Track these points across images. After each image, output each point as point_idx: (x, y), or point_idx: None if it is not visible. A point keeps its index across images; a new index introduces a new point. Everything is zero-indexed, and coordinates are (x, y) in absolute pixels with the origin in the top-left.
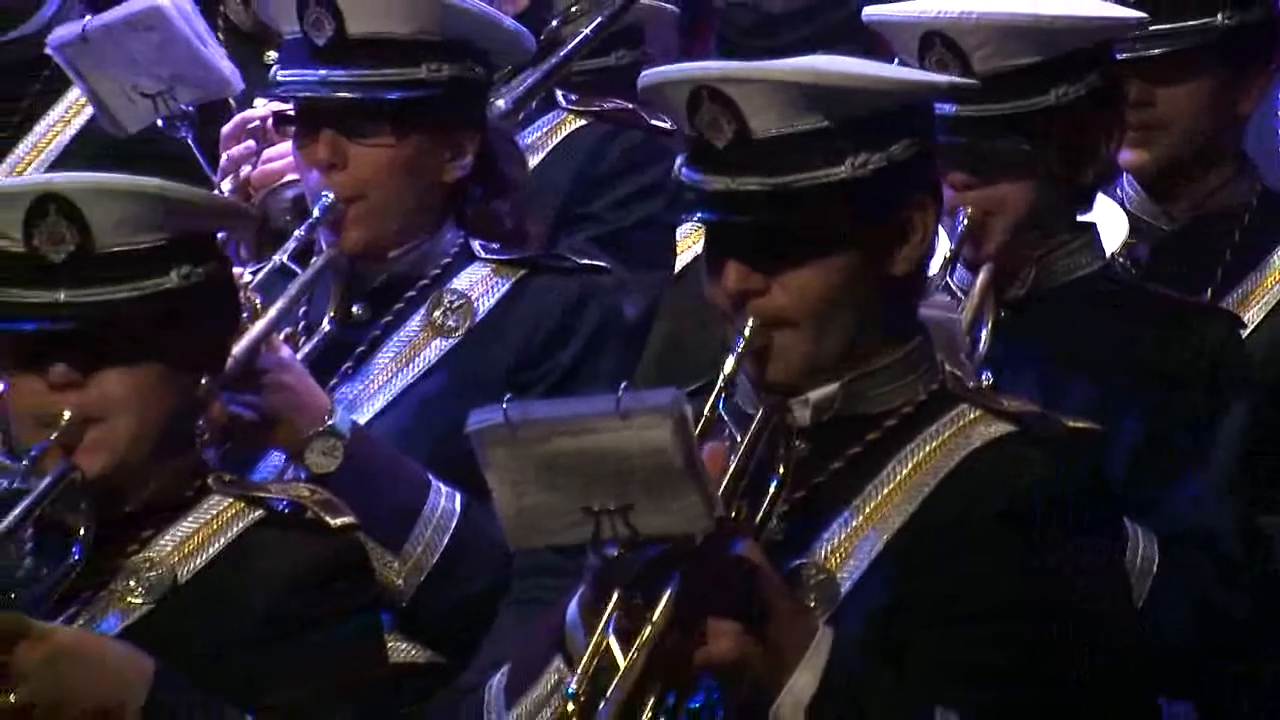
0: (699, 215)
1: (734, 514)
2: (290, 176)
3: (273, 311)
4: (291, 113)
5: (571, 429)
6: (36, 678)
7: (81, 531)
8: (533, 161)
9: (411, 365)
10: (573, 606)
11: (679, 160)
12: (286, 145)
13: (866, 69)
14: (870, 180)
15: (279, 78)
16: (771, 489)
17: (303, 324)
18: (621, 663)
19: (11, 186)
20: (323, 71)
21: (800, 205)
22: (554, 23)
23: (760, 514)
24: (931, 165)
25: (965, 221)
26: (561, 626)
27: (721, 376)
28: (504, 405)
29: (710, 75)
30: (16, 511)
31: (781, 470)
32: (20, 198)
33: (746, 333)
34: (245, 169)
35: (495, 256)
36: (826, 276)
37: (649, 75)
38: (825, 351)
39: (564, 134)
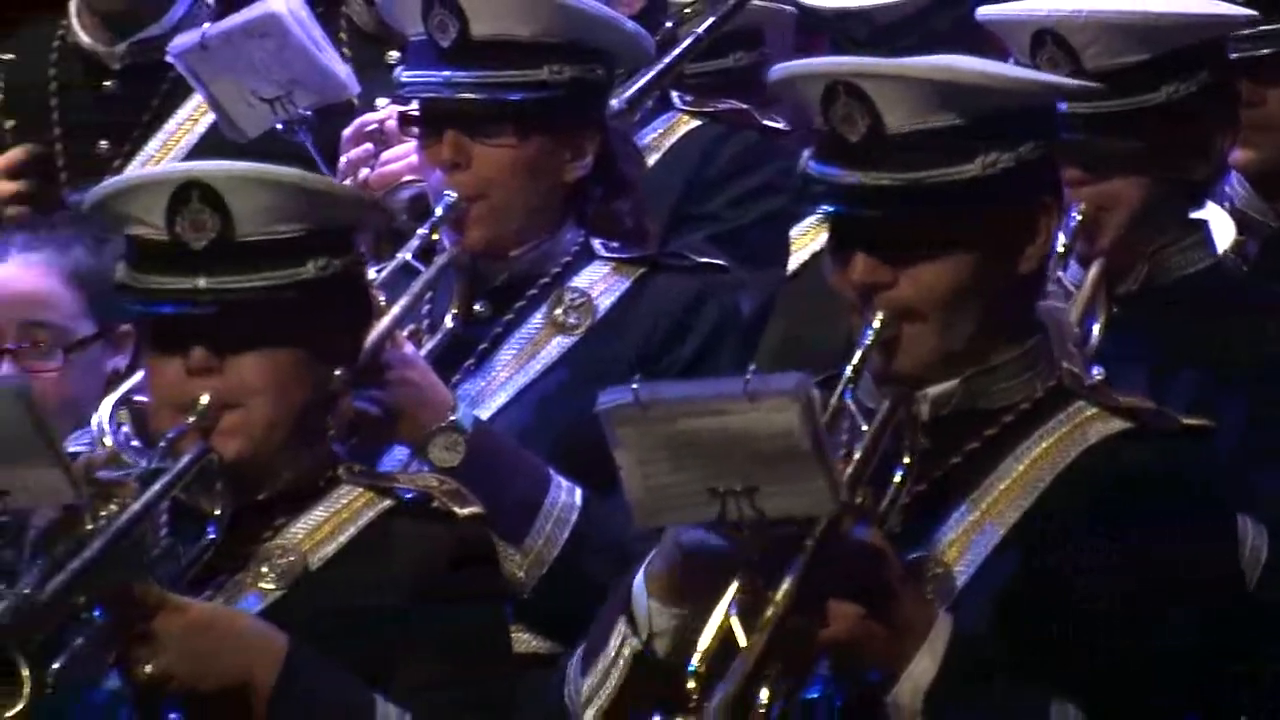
0: (828, 208)
1: (861, 501)
2: (408, 178)
3: (397, 308)
4: (415, 113)
5: (699, 410)
6: (174, 649)
7: (217, 512)
8: (650, 162)
9: (532, 362)
10: (639, 574)
11: (806, 154)
12: (404, 148)
13: (999, 69)
14: (999, 179)
15: (403, 78)
16: (897, 479)
17: (426, 322)
18: (743, 642)
19: (156, 174)
20: (446, 73)
21: (930, 201)
22: (668, 24)
23: (885, 504)
24: (1055, 168)
25: (1078, 217)
26: (629, 594)
27: (849, 367)
28: (634, 386)
29: (847, 70)
30: (155, 488)
31: (907, 461)
32: (164, 185)
33: (875, 325)
34: (364, 171)
35: (615, 255)
36: (953, 271)
37: (783, 68)
38: (950, 345)
39: (679, 135)
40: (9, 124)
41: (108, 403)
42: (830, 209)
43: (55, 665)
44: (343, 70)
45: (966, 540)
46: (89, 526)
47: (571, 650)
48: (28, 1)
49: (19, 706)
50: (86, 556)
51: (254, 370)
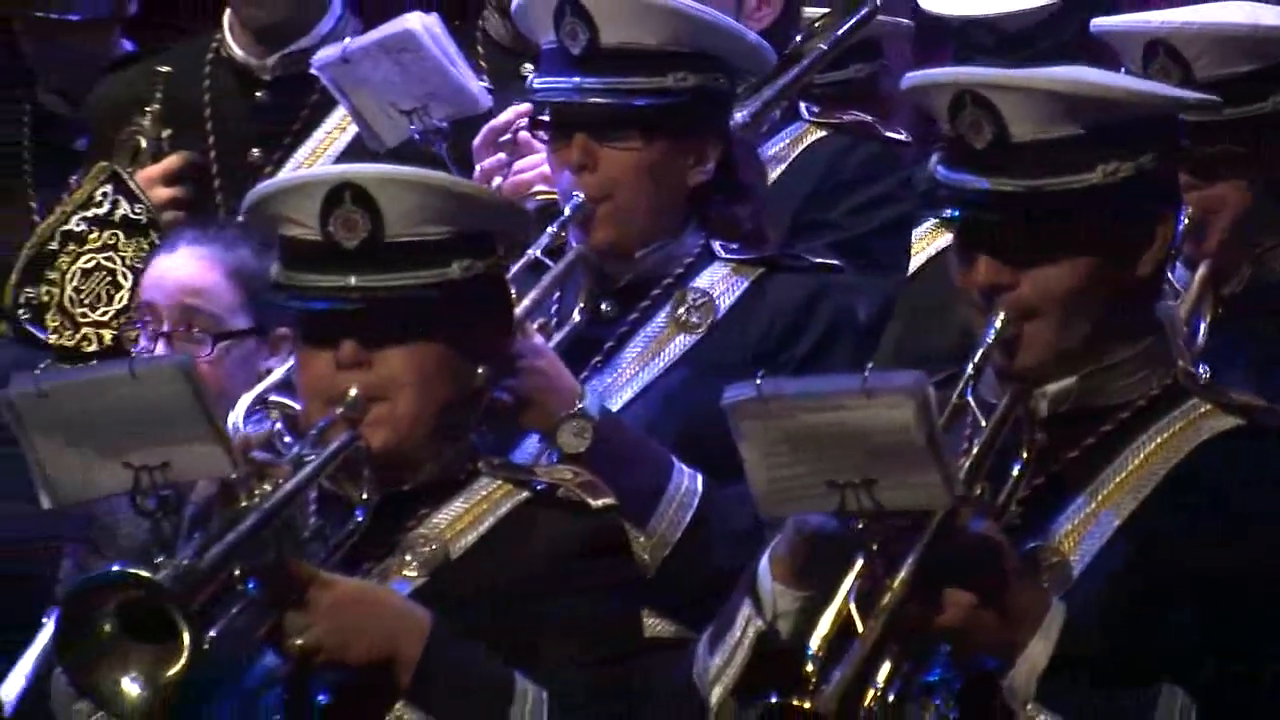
0: (953, 212)
1: (978, 494)
2: (539, 188)
3: (527, 301)
4: (546, 117)
5: (819, 405)
6: (323, 622)
7: (364, 498)
8: (776, 171)
9: (656, 360)
10: (765, 557)
11: (935, 159)
12: (536, 158)
13: (1122, 81)
14: (1118, 188)
15: (534, 84)
16: (1015, 473)
17: (554, 319)
18: (860, 627)
19: (311, 176)
20: (576, 79)
21: (1052, 208)
22: (797, 38)
23: (1003, 497)
24: (1174, 178)
25: (1185, 220)
26: (755, 576)
27: (970, 364)
28: (757, 381)
29: (975, 80)
30: (307, 470)
31: (1025, 455)
32: (318, 186)
33: (997, 324)
34: (496, 180)
35: (734, 256)
36: (1072, 274)
37: (913, 77)
38: (1069, 344)
39: (805, 144)
40: (166, 133)
41: (244, 401)
42: (956, 213)
43: (212, 633)
44: (476, 85)
45: (1083, 530)
46: (244, 503)
47: (697, 632)
48: (184, 17)
49: (178, 666)
50: (242, 530)
51: (401, 365)
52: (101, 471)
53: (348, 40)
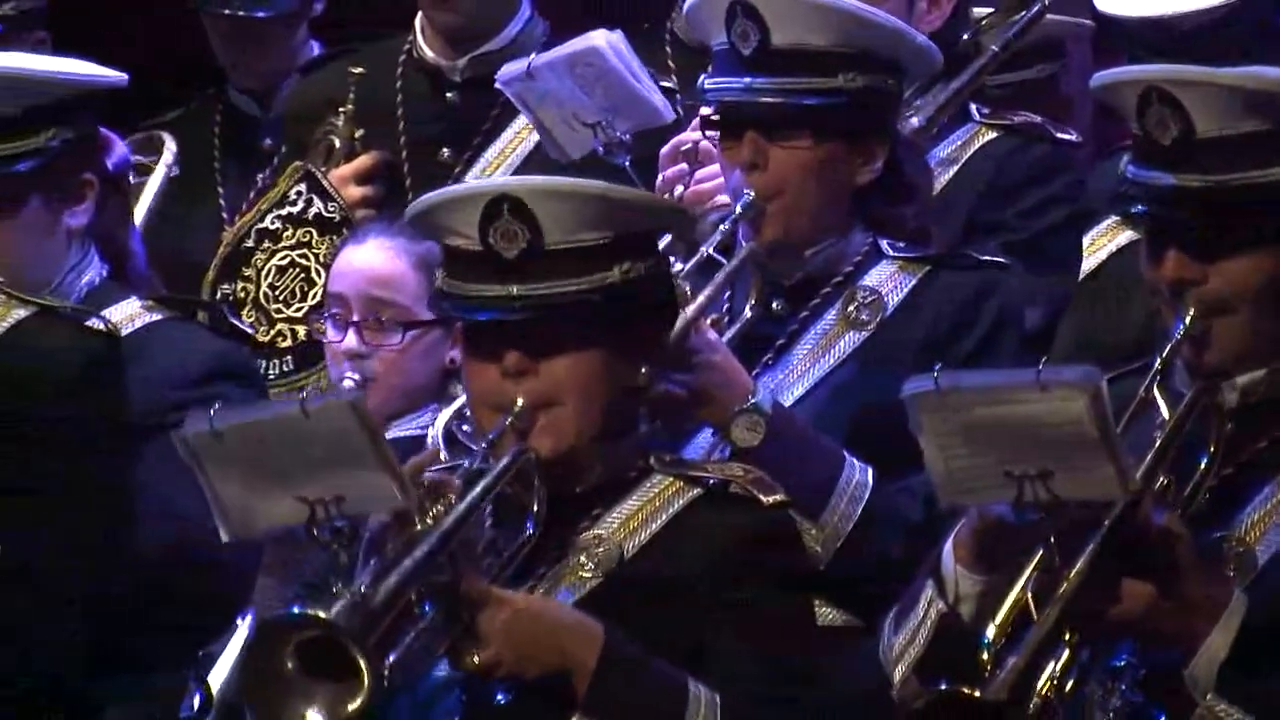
0: (1142, 209)
1: (1164, 485)
2: (720, 198)
3: (701, 297)
4: (717, 117)
5: (994, 398)
6: (500, 639)
7: (535, 508)
8: (949, 173)
9: (827, 356)
10: (948, 541)
11: (1125, 158)
12: (717, 168)
13: None
14: None
15: (706, 85)
16: (1202, 465)
17: (726, 315)
18: (1036, 617)
19: (469, 189)
20: (747, 79)
21: (1239, 202)
22: (965, 36)
23: (1190, 488)
24: None
25: None
26: (939, 559)
27: (1159, 358)
28: (934, 375)
29: (1161, 77)
30: (478, 489)
31: (1213, 447)
32: (477, 199)
33: (1186, 320)
34: (679, 189)
35: (902, 254)
36: (1261, 268)
37: (1103, 75)
38: (1259, 338)
39: (977, 146)
40: (359, 134)
41: (442, 419)
42: (1144, 209)
43: (391, 659)
44: (659, 98)
45: (1268, 521)
46: (419, 526)
47: (868, 621)
48: (377, 20)
49: (359, 701)
50: (417, 557)
51: (566, 371)
52: (277, 505)
53: (533, 56)
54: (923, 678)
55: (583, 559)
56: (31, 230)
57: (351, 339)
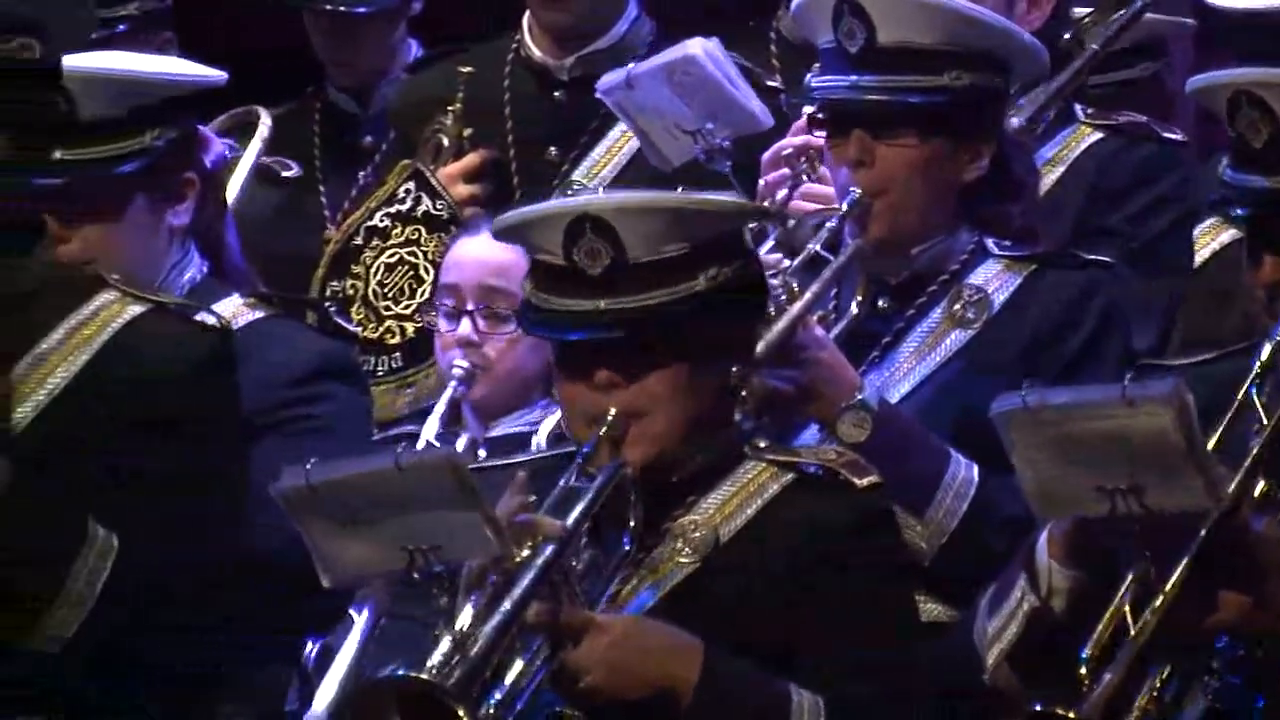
0: (1240, 211)
1: (1264, 491)
2: (821, 209)
3: (808, 294)
4: (823, 115)
5: (1082, 414)
6: (601, 666)
7: (631, 524)
8: (1053, 175)
9: (933, 354)
10: (1042, 534)
11: (1225, 160)
12: (824, 189)
13: None
14: None
15: (813, 83)
16: None
17: (833, 315)
18: (1133, 628)
19: (551, 208)
20: (854, 77)
21: None
22: (1066, 35)
23: None
24: None
25: None
26: (1033, 550)
27: (1258, 363)
28: (1023, 392)
29: (1248, 80)
30: (576, 513)
31: None
32: (559, 218)
33: None
34: (781, 193)
35: (1008, 253)
36: None
37: (1197, 79)
38: None
39: (1081, 147)
40: (467, 132)
41: (545, 427)
42: (1242, 211)
43: (494, 699)
44: (757, 104)
45: None
46: (518, 559)
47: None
48: (485, 20)
49: None
50: (517, 595)
51: (657, 381)
52: (375, 552)
53: (631, 65)
54: (1014, 668)
55: (679, 545)
56: (136, 230)
57: (466, 326)
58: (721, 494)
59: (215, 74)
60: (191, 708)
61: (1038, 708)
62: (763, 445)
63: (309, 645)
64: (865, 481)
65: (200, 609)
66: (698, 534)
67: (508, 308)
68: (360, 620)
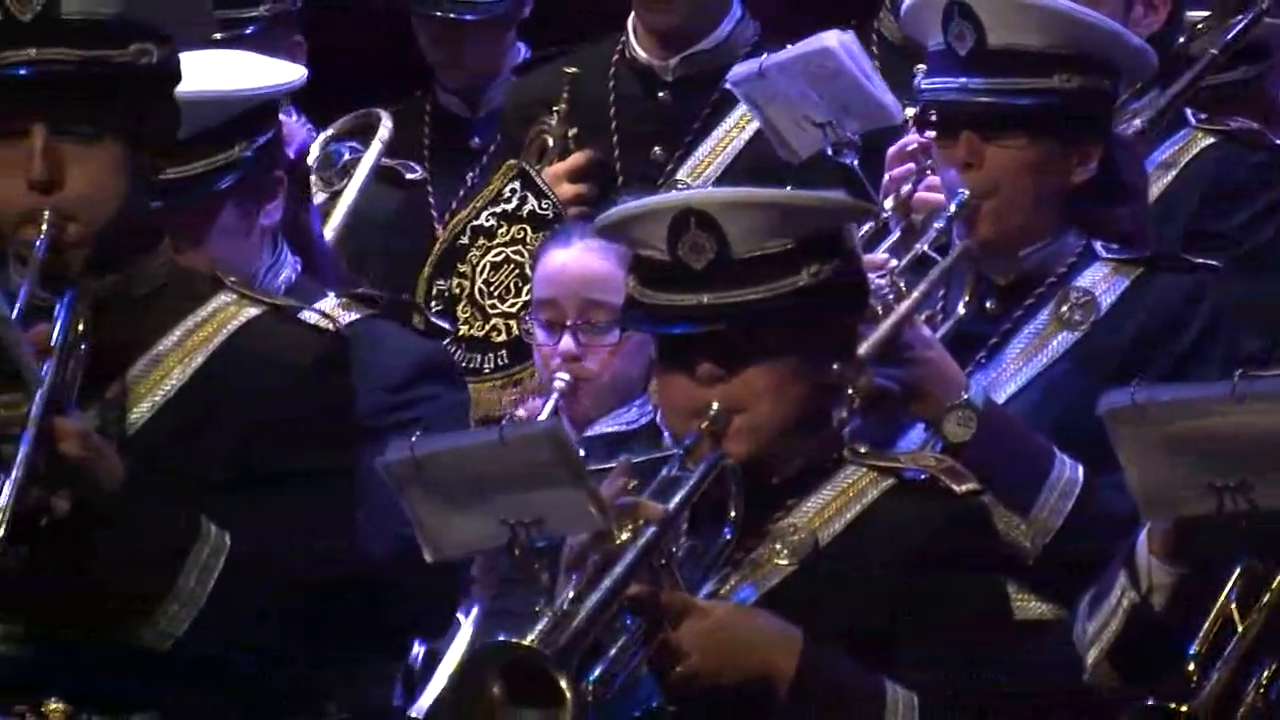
0: None
1: None
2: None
3: (915, 294)
4: (933, 116)
5: (1191, 411)
6: (700, 651)
7: (732, 514)
8: (1167, 178)
9: (1039, 355)
10: (1143, 533)
11: None
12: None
13: None
14: None
15: (922, 85)
16: None
17: (941, 315)
18: (1240, 625)
19: (655, 203)
20: (963, 79)
21: None
22: (1180, 39)
23: None
24: None
25: None
26: (1133, 548)
27: None
28: (1132, 389)
29: None
30: (677, 499)
31: None
32: (663, 213)
33: None
34: (905, 188)
35: (1115, 256)
36: None
37: None
38: None
39: (1193, 152)
40: (572, 132)
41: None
42: None
43: (594, 675)
44: (890, 99)
45: None
46: (619, 540)
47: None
48: (591, 21)
49: None
50: (617, 574)
51: (758, 376)
52: (479, 528)
53: (764, 56)
54: (1113, 666)
55: (778, 547)
56: (229, 235)
57: (567, 341)
58: (821, 498)
59: (294, 77)
60: (296, 707)
61: (1150, 702)
62: (862, 450)
63: (416, 648)
64: (964, 488)
65: (309, 610)
66: (796, 537)
67: (607, 319)
68: (467, 623)
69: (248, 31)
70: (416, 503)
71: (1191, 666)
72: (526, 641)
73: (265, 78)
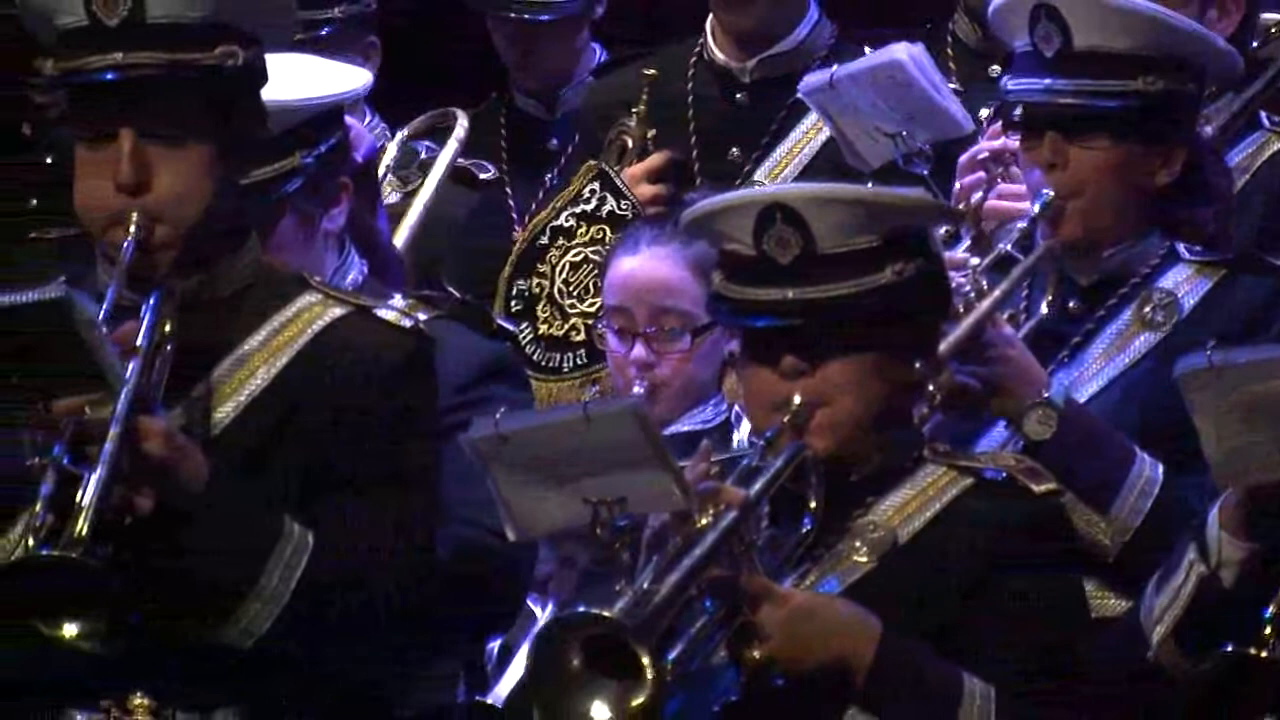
0: None
1: None
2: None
3: (997, 292)
4: (1017, 117)
5: (1267, 372)
6: (779, 634)
7: (812, 504)
8: (1240, 181)
9: (1121, 355)
10: (1214, 508)
11: None
12: (1019, 188)
13: None
14: None
15: (1008, 85)
16: None
17: (1023, 312)
18: None
19: (741, 197)
20: (1048, 80)
21: None
22: (1254, 44)
23: None
24: None
25: None
26: (1203, 523)
27: None
28: (1208, 351)
29: None
30: (758, 486)
31: None
32: (750, 207)
33: None
34: (975, 196)
35: (1198, 258)
36: None
37: None
38: None
39: (1266, 155)
40: (651, 133)
41: (747, 425)
42: None
43: (673, 654)
44: (959, 109)
45: None
46: (700, 524)
47: None
48: (670, 24)
49: (644, 696)
50: (697, 554)
51: (841, 371)
52: (561, 506)
53: (835, 67)
54: (1179, 643)
55: (857, 544)
56: (294, 240)
57: (640, 349)
58: (901, 495)
59: (358, 83)
60: (371, 704)
61: (1229, 649)
62: (942, 449)
63: (491, 642)
64: (1043, 488)
65: (388, 608)
66: (876, 534)
67: (677, 325)
68: (543, 616)
69: (323, 33)
70: (500, 479)
71: (1268, 630)
72: (608, 614)
73: (328, 85)
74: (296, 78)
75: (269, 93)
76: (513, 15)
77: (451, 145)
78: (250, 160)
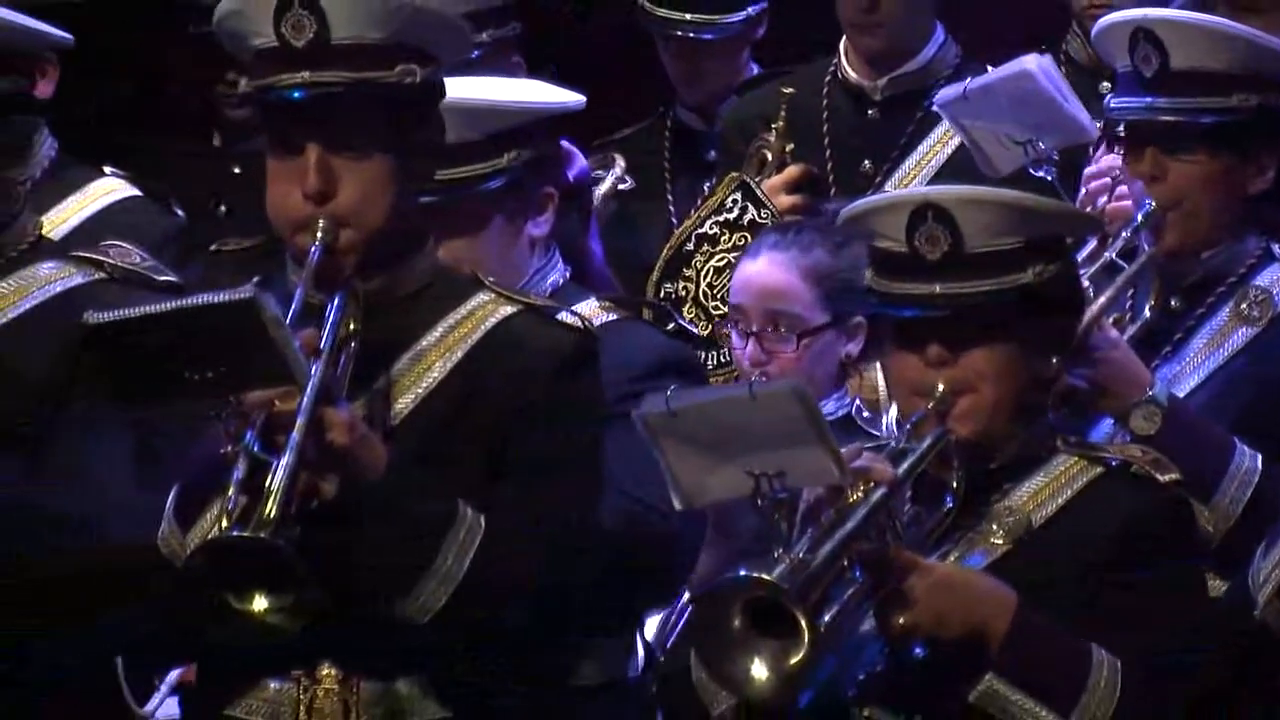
0: None
1: None
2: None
3: (1103, 299)
4: (1121, 133)
5: None
6: (923, 603)
7: (954, 485)
8: None
9: (1220, 350)
10: None
11: None
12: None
13: None
14: None
15: (1111, 104)
16: None
17: (1128, 315)
18: None
19: (895, 197)
20: (1148, 99)
21: None
22: None
23: None
24: None
25: None
26: None
27: None
28: None
29: None
30: (905, 466)
31: None
32: (903, 206)
33: None
34: (1102, 199)
35: None
36: None
37: None
38: None
39: None
40: (789, 147)
41: (893, 412)
42: None
43: (825, 618)
44: (1085, 117)
45: None
46: (852, 499)
47: None
48: (804, 45)
49: (801, 655)
50: (849, 527)
51: (983, 361)
52: (725, 478)
53: (969, 79)
54: None
55: (994, 527)
56: (498, 240)
57: (753, 347)
58: (1035, 482)
59: (572, 99)
60: (547, 673)
61: None
62: (1073, 440)
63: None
64: (1167, 477)
65: (558, 583)
66: (1012, 519)
67: (789, 328)
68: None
69: (472, 56)
70: (669, 452)
71: None
72: (768, 577)
73: (542, 97)
74: (513, 90)
75: (488, 93)
76: (679, 34)
77: (608, 182)
78: (429, 169)
